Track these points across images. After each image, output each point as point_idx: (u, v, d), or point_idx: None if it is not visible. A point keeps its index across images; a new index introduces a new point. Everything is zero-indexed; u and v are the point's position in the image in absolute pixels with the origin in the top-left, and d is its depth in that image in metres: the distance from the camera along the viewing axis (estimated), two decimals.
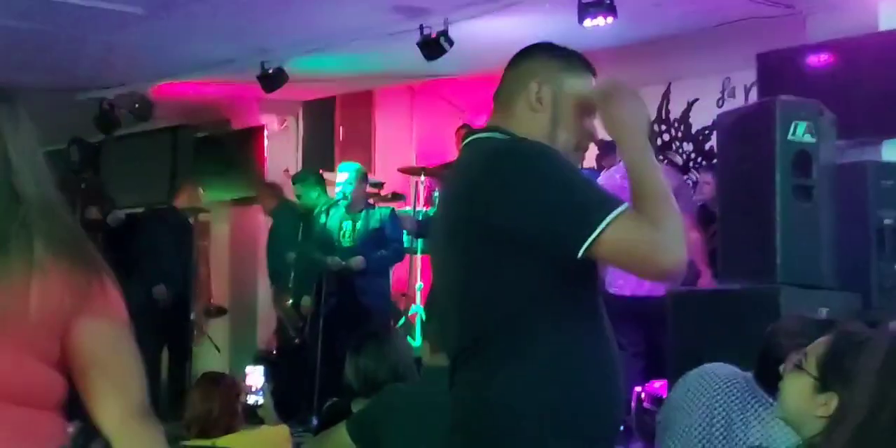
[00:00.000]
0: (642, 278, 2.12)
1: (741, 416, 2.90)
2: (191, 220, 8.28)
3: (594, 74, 2.44)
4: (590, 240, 2.10)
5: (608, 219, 2.10)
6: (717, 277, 5.13)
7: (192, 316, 8.02)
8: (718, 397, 2.92)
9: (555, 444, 2.16)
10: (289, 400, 6.64)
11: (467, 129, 2.51)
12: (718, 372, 3.01)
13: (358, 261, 7.07)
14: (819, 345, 2.34)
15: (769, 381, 2.75)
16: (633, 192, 2.20)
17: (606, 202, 2.14)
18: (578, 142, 2.41)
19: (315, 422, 6.33)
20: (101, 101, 8.75)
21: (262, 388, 4.18)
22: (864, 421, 1.36)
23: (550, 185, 2.18)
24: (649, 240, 2.11)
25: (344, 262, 7.06)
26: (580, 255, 2.12)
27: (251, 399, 4.22)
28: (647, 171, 2.23)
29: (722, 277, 5.09)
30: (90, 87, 8.65)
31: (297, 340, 7.38)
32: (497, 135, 2.37)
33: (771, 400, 2.90)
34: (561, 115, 2.38)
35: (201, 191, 8.11)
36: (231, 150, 9.26)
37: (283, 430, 3.73)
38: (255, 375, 4.25)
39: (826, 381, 2.26)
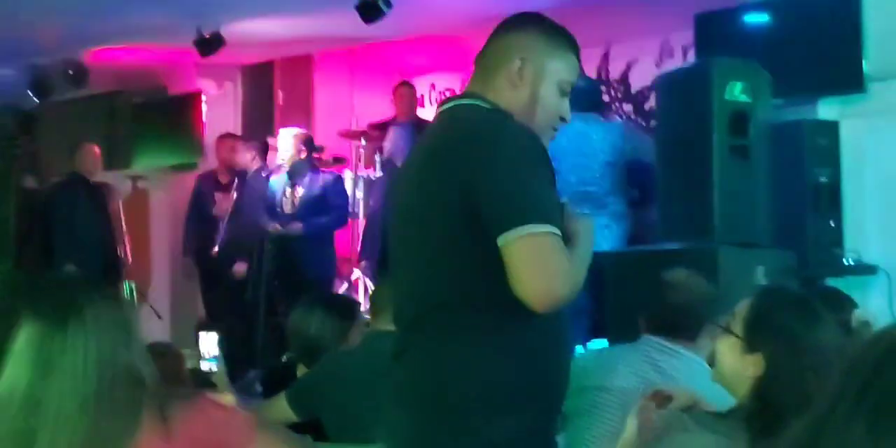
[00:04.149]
0: (522, 295, 2.09)
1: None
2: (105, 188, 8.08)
3: (578, 55, 2.45)
4: (515, 233, 2.12)
5: (545, 228, 2.13)
6: (658, 237, 5.17)
7: (131, 284, 7.94)
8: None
9: (504, 415, 2.17)
10: (233, 366, 6.63)
11: (446, 99, 2.46)
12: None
13: (296, 227, 7.04)
14: (743, 305, 2.36)
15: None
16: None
17: (551, 214, 2.17)
18: (552, 122, 2.42)
19: (259, 388, 6.33)
20: (35, 67, 8.61)
21: (216, 356, 4.15)
22: (823, 413, 1.36)
23: (522, 171, 2.19)
24: (561, 267, 2.14)
25: (283, 229, 7.03)
26: (500, 244, 2.14)
27: (204, 366, 4.18)
28: (587, 254, 2.29)
29: (660, 237, 5.14)
30: (23, 54, 8.51)
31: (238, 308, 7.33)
32: (481, 103, 2.37)
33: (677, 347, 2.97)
34: (539, 94, 2.39)
35: (97, 151, 7.89)
36: (169, 116, 9.17)
37: (228, 398, 3.72)
38: (208, 342, 4.22)
39: (752, 341, 2.29)
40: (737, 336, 2.31)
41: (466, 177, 2.19)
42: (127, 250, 8.07)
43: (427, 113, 8.56)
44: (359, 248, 7.92)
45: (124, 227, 8.09)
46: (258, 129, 8.87)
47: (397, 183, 2.47)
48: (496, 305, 2.18)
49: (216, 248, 7.66)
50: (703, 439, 2.24)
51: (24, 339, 1.87)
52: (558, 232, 2.15)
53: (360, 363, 3.16)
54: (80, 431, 1.90)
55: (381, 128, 8.37)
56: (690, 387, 2.57)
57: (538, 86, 2.38)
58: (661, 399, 2.43)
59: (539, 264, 2.11)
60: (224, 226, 7.70)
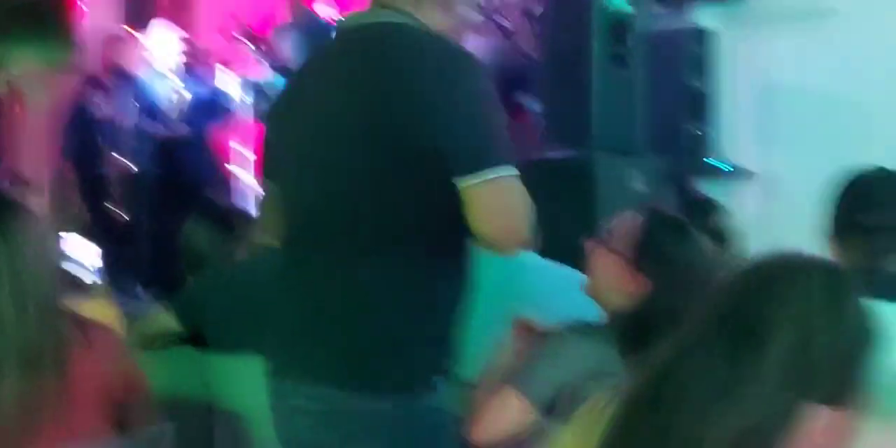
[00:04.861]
0: (490, 235, 2.06)
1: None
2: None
3: None
4: (485, 176, 2.02)
5: (512, 171, 2.04)
6: (537, 145, 5.26)
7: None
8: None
9: (430, 346, 2.14)
10: (113, 270, 6.59)
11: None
12: None
13: (181, 131, 6.96)
14: (630, 224, 2.43)
15: None
16: None
17: (510, 152, 2.07)
18: (461, 31, 2.30)
19: (140, 291, 6.33)
20: None
21: (96, 268, 4.06)
22: (687, 337, 1.44)
23: (478, 104, 2.07)
24: (526, 210, 2.07)
25: (168, 131, 6.96)
26: (463, 185, 2.03)
27: (81, 274, 4.08)
28: None
29: (543, 146, 5.23)
30: None
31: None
32: (410, 22, 2.18)
33: None
34: (461, 18, 2.27)
35: None
36: (45, 13, 8.88)
37: (112, 309, 3.70)
38: (85, 254, 4.09)
39: (640, 262, 2.36)
40: (622, 255, 2.39)
41: (421, 113, 2.05)
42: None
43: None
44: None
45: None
46: (138, 27, 8.66)
47: (305, 95, 2.26)
48: (430, 242, 2.12)
49: (99, 153, 7.52)
50: (584, 345, 2.31)
51: None
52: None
53: (246, 277, 3.18)
54: (12, 339, 2.01)
55: (272, 28, 8.20)
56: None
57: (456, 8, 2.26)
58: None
59: (509, 207, 2.04)
60: (105, 129, 7.56)
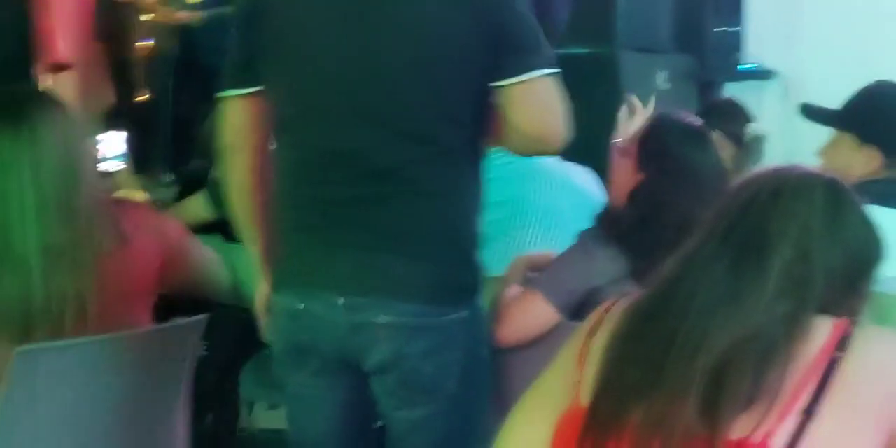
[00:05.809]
0: (532, 137, 2.07)
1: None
2: None
3: None
4: (540, 72, 2.03)
5: (552, 69, 2.04)
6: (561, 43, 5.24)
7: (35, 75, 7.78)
8: None
9: (477, 248, 2.15)
10: (139, 155, 6.63)
11: None
12: None
13: (195, 15, 6.89)
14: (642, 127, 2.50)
15: None
16: None
17: (552, 53, 2.08)
18: None
19: (168, 178, 6.36)
20: None
21: (123, 154, 4.04)
22: (693, 247, 1.49)
23: (524, 4, 2.08)
24: (564, 109, 2.07)
25: (184, 17, 6.90)
26: (504, 82, 2.03)
27: (109, 165, 4.08)
28: None
29: (565, 43, 5.21)
30: None
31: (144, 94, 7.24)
32: None
33: None
34: None
35: None
36: None
37: (140, 196, 3.73)
38: (112, 141, 4.08)
39: (641, 160, 2.42)
40: (631, 156, 2.44)
41: (488, 11, 2.02)
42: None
43: None
44: None
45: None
46: None
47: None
48: (477, 152, 2.13)
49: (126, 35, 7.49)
50: (607, 251, 2.34)
51: None
52: None
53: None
54: (46, 229, 2.07)
55: None
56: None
57: None
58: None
59: (555, 105, 2.05)
60: (130, 11, 7.52)
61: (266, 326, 2.26)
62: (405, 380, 2.09)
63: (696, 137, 2.45)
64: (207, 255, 2.51)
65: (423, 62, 2.03)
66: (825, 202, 1.48)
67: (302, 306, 2.12)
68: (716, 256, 1.46)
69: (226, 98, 2.20)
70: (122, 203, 2.42)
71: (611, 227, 2.36)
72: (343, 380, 2.16)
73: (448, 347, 2.09)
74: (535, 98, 2.04)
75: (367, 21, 2.04)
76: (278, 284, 2.19)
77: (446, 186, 2.08)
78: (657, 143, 2.42)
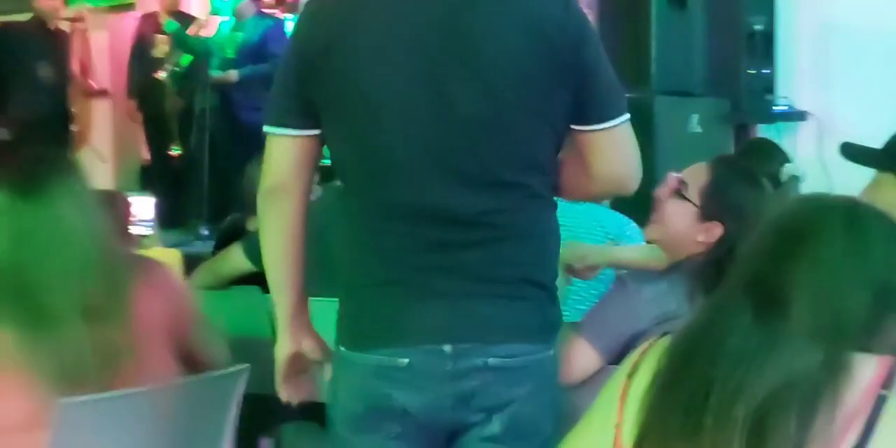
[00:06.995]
0: (624, 176, 2.08)
1: None
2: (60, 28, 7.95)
3: None
4: (623, 118, 2.02)
5: (627, 114, 2.05)
6: None
7: (73, 127, 7.88)
8: None
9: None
10: (176, 209, 6.67)
11: None
12: None
13: (231, 74, 6.97)
14: (699, 173, 2.46)
15: None
16: None
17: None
18: None
19: (205, 231, 6.40)
20: None
21: (151, 220, 4.05)
22: (720, 300, 1.47)
23: (602, 50, 2.04)
24: (638, 153, 2.09)
25: (220, 76, 6.99)
26: (587, 128, 2.01)
27: (138, 230, 4.06)
28: None
29: None
30: None
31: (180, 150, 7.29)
32: None
33: None
34: None
35: None
36: None
37: (175, 253, 3.76)
38: (142, 204, 4.06)
39: (710, 210, 2.41)
40: (694, 204, 2.43)
41: (569, 52, 1.96)
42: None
43: None
44: None
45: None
46: None
47: (411, 27, 1.97)
48: (549, 187, 2.10)
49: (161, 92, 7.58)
50: (648, 292, 2.36)
51: None
52: None
53: (317, 216, 3.18)
54: (77, 290, 2.13)
55: None
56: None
57: None
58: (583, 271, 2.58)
59: (634, 152, 2.07)
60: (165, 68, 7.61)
61: (325, 389, 2.13)
62: (509, 425, 2.02)
63: (755, 180, 2.46)
64: (210, 330, 2.48)
65: (505, 111, 1.96)
66: (846, 239, 1.43)
67: (405, 361, 1.99)
68: (739, 308, 1.43)
69: (277, 136, 2.07)
70: (145, 261, 2.43)
71: (697, 279, 2.33)
72: (422, 444, 2.06)
73: (545, 388, 2.06)
74: (621, 144, 2.04)
75: (442, 67, 1.94)
76: (360, 342, 2.04)
77: (532, 229, 2.05)
78: (726, 192, 2.42)
